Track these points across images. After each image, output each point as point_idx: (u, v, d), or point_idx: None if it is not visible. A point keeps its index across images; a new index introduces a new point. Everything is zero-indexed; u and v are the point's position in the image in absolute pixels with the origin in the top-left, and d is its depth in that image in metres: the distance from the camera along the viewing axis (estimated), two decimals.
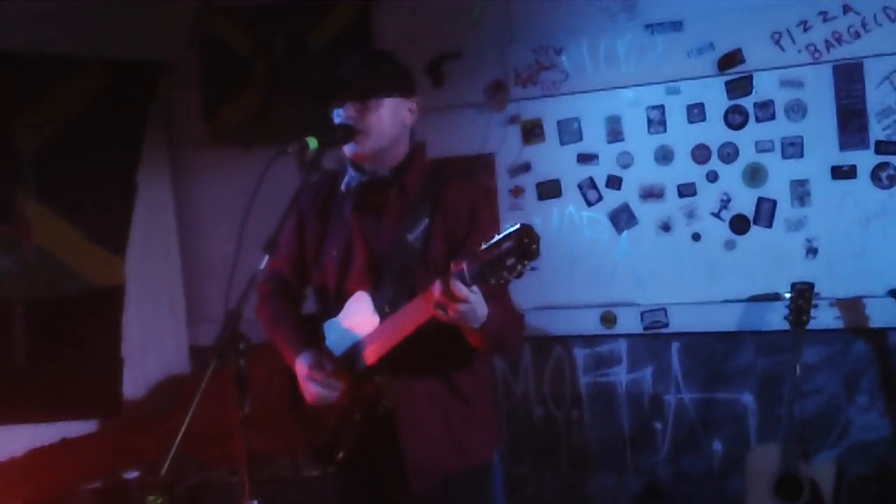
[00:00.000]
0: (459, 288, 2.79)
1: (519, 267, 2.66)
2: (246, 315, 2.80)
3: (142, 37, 5.94)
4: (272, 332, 3.48)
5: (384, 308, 3.15)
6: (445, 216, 3.21)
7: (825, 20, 4.77)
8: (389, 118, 3.20)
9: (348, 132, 3.15)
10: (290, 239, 3.47)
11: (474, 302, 2.84)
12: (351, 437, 3.25)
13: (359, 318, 3.21)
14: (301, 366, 3.28)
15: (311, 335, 3.37)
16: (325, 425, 3.31)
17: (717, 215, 5.07)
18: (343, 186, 3.32)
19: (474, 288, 2.81)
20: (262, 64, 6.03)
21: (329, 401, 3.22)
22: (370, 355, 3.16)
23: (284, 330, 3.44)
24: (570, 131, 5.35)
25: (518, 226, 2.67)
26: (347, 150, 3.20)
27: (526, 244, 2.64)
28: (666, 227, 5.18)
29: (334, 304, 3.32)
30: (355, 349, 3.21)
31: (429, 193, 3.24)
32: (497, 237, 2.69)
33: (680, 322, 5.17)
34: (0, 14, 5.22)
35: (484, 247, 2.72)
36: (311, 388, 3.23)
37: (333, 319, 3.30)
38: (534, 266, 2.70)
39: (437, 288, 2.83)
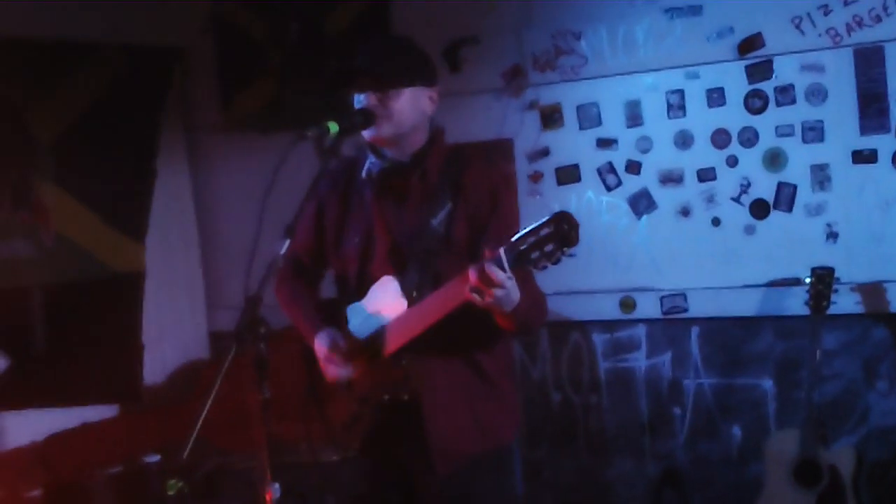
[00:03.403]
0: (496, 273, 2.79)
1: (557, 253, 2.66)
2: (266, 300, 2.80)
3: (158, 23, 5.97)
4: (291, 310, 3.51)
5: (412, 293, 3.16)
6: (467, 200, 3.21)
7: (846, 4, 4.74)
8: (409, 106, 3.20)
9: (368, 117, 3.15)
10: (308, 225, 3.48)
11: (510, 287, 2.85)
12: (372, 420, 3.26)
13: (385, 302, 3.21)
14: (320, 345, 3.30)
15: (330, 317, 3.37)
16: (346, 409, 3.32)
17: (736, 200, 5.06)
18: (363, 173, 3.33)
19: (510, 273, 2.81)
20: (277, 49, 6.03)
21: (346, 378, 3.23)
22: (398, 339, 3.16)
23: (304, 309, 3.47)
24: (589, 116, 5.34)
25: (557, 212, 2.67)
26: (366, 133, 3.21)
27: (566, 230, 2.66)
28: (685, 212, 5.16)
29: (355, 289, 3.33)
30: (381, 333, 3.22)
31: (449, 178, 3.24)
32: (536, 223, 2.70)
33: (699, 307, 5.16)
34: (17, 1, 5.23)
35: (522, 232, 2.72)
36: (331, 367, 3.26)
37: (357, 304, 3.30)
38: (572, 252, 2.69)
39: (473, 273, 2.83)
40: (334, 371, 3.26)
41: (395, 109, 3.17)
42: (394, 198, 3.30)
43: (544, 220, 2.69)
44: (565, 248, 2.67)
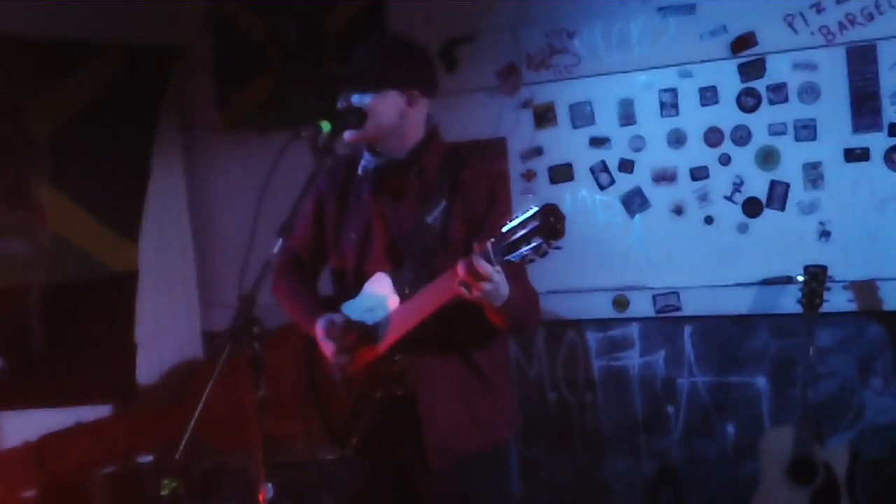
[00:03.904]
0: (484, 266, 2.79)
1: (544, 246, 2.66)
2: (260, 300, 2.80)
3: (156, 22, 5.97)
4: (291, 304, 3.50)
5: (404, 289, 3.16)
6: (464, 197, 3.22)
7: (838, 2, 4.75)
8: (383, 110, 3.20)
9: (362, 116, 3.17)
10: (307, 221, 3.49)
11: (498, 281, 2.85)
12: (370, 418, 3.27)
13: (378, 298, 3.22)
14: (319, 328, 3.29)
15: (328, 309, 3.37)
16: (344, 406, 3.33)
17: (729, 198, 5.06)
18: (360, 170, 3.34)
19: (498, 267, 2.81)
20: (275, 49, 6.03)
21: (345, 359, 3.24)
22: (392, 335, 3.17)
23: (303, 302, 3.46)
24: (582, 115, 5.35)
25: (543, 205, 2.67)
26: (346, 135, 3.22)
27: (552, 223, 2.64)
28: (678, 211, 5.17)
29: (353, 286, 3.34)
30: (375, 329, 3.23)
31: (447, 175, 3.25)
32: (522, 216, 2.70)
33: (692, 306, 5.17)
34: (16, 0, 5.23)
35: (509, 226, 2.72)
36: (328, 345, 3.25)
37: (352, 301, 3.31)
38: (559, 245, 2.69)
39: (461, 266, 2.83)
40: (331, 349, 3.26)
41: (367, 114, 3.19)
42: (391, 195, 3.31)
43: (531, 213, 2.68)
44: (552, 241, 2.67)
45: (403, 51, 3.32)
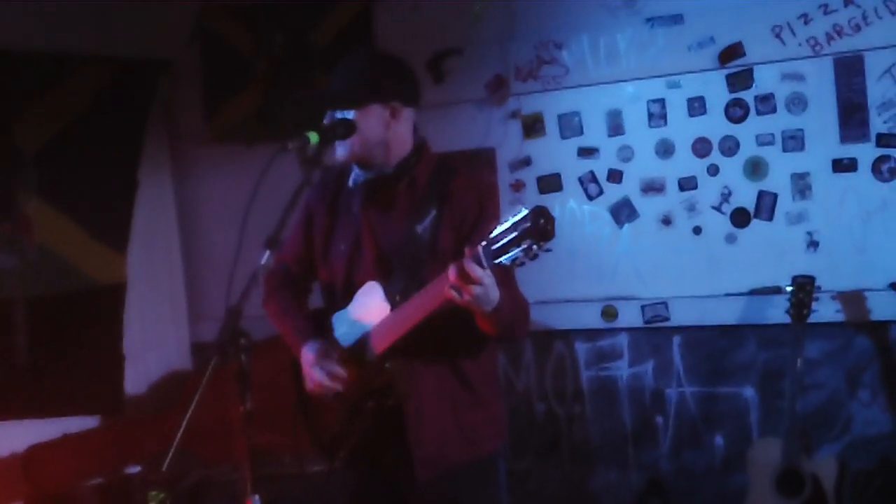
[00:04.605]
0: (474, 269, 2.79)
1: (535, 248, 2.67)
2: (247, 312, 2.80)
3: (143, 34, 5.96)
4: (280, 322, 3.50)
5: (395, 298, 3.16)
6: (453, 207, 3.22)
7: (826, 13, 4.77)
8: (367, 126, 3.21)
9: (349, 127, 3.17)
10: (296, 233, 3.51)
11: (488, 285, 2.85)
12: (360, 428, 3.26)
13: (369, 308, 3.23)
14: (307, 354, 3.30)
15: (318, 327, 3.38)
16: (335, 417, 3.32)
17: (717, 209, 5.07)
18: (350, 183, 3.34)
19: (489, 271, 2.81)
20: (263, 61, 6.03)
21: (330, 391, 3.24)
22: (381, 344, 3.17)
23: (293, 320, 3.46)
24: (570, 125, 5.35)
25: (533, 207, 2.68)
26: (339, 153, 3.23)
27: (542, 225, 2.65)
28: (667, 221, 5.18)
29: (342, 297, 3.34)
30: (366, 339, 3.23)
31: (436, 185, 3.26)
32: (513, 219, 2.70)
33: (681, 316, 5.17)
34: (1, 13, 5.22)
35: (500, 229, 2.73)
36: (315, 377, 3.25)
37: (342, 312, 3.32)
38: (548, 248, 2.69)
39: (452, 270, 2.83)
40: (318, 380, 3.25)
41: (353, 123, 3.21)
42: (381, 206, 3.31)
43: (521, 216, 2.69)
44: (542, 243, 2.67)
45: (381, 64, 3.34)
